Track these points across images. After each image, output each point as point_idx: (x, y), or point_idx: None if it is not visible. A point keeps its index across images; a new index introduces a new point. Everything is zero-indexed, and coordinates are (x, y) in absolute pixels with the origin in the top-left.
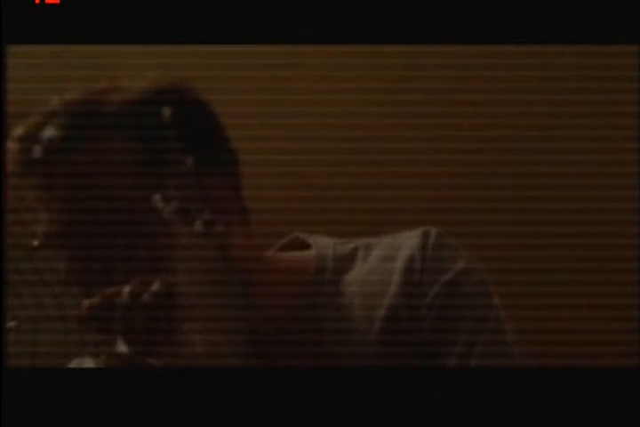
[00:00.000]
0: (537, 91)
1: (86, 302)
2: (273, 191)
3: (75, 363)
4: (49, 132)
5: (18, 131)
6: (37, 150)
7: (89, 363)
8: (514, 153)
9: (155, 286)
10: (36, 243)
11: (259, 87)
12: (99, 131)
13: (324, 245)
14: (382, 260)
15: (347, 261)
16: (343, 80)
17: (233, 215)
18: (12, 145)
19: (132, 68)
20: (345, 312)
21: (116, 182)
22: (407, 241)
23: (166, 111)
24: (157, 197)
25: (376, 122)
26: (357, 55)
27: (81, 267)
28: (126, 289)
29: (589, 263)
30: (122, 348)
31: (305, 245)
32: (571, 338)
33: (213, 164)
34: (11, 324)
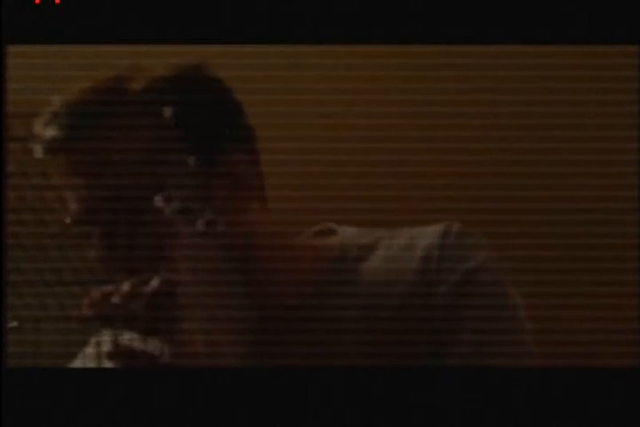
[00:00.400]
0: (537, 91)
1: (86, 301)
2: (286, 191)
3: (76, 363)
4: (84, 109)
5: (51, 109)
6: (72, 127)
7: (90, 362)
8: (512, 153)
9: (155, 284)
10: (68, 220)
11: (260, 87)
12: (127, 107)
13: (349, 233)
14: (397, 260)
15: (367, 252)
16: (346, 80)
17: (253, 191)
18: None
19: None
20: (359, 301)
21: (144, 159)
22: (425, 241)
23: (185, 89)
24: (181, 170)
25: (378, 122)
26: (360, 55)
27: (113, 245)
28: (125, 287)
29: (589, 263)
30: (124, 347)
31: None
32: (571, 338)
33: (233, 140)
34: (12, 324)
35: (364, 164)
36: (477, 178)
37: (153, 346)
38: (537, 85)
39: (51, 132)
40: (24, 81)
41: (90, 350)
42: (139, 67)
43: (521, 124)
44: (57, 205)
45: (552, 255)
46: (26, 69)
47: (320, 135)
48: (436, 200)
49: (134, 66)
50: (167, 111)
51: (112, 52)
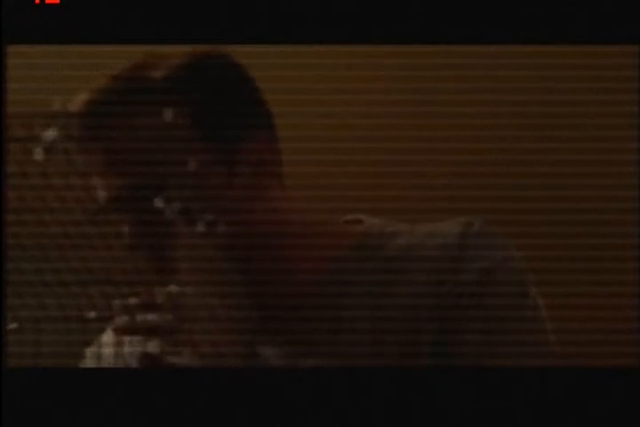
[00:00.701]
0: (537, 91)
1: (85, 301)
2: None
3: (77, 363)
4: (112, 96)
5: (83, 96)
6: (99, 115)
7: (92, 363)
8: (512, 153)
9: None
10: (96, 207)
11: (263, 87)
12: (154, 95)
13: (374, 227)
14: (413, 259)
15: (384, 251)
16: (346, 80)
17: (272, 179)
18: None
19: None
20: (367, 299)
21: (169, 146)
22: (442, 240)
23: (206, 76)
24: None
25: (378, 122)
26: (360, 55)
27: (144, 231)
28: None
29: (589, 263)
30: (126, 348)
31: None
32: (571, 338)
33: (253, 127)
34: (12, 325)
35: (363, 164)
36: (477, 178)
37: (155, 346)
38: (537, 85)
39: (83, 132)
40: (24, 81)
41: (92, 350)
42: (151, 63)
43: (521, 124)
44: (57, 204)
45: (552, 255)
46: (26, 69)
47: (319, 135)
48: (436, 200)
49: (148, 62)
50: (182, 107)
51: (112, 52)
